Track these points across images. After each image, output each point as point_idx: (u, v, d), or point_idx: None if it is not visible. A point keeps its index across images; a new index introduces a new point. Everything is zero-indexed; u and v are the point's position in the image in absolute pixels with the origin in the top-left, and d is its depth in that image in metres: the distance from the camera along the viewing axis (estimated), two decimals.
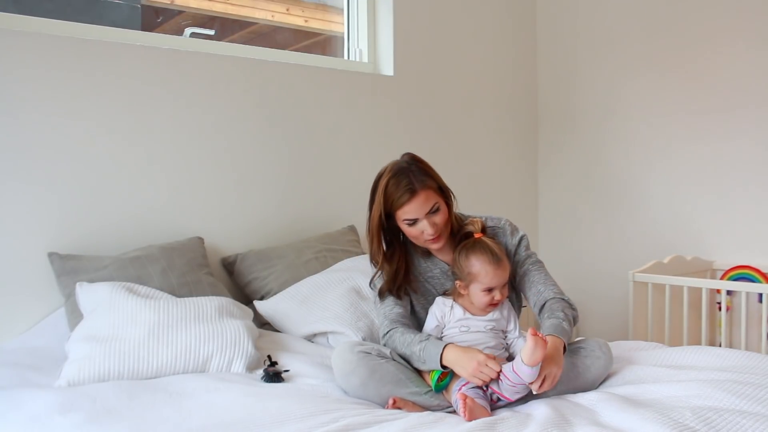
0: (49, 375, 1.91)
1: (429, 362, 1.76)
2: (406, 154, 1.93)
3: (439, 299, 1.92)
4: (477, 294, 1.84)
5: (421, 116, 3.35)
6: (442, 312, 1.88)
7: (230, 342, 2.01)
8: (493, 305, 1.85)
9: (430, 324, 1.89)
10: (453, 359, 1.72)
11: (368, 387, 1.73)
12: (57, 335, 2.17)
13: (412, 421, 1.51)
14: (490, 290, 1.82)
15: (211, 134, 2.69)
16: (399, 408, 1.69)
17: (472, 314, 1.86)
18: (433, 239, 1.87)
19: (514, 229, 2.00)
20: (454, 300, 1.89)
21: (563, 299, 1.90)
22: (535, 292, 1.94)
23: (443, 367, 1.73)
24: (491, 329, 1.86)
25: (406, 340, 1.83)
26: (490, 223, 1.99)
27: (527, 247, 2.00)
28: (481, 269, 1.81)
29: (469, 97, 3.58)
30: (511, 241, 1.98)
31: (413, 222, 1.86)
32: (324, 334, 2.30)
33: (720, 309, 3.04)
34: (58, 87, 2.34)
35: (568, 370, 1.76)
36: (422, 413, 1.62)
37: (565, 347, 1.75)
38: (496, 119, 3.72)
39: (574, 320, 1.88)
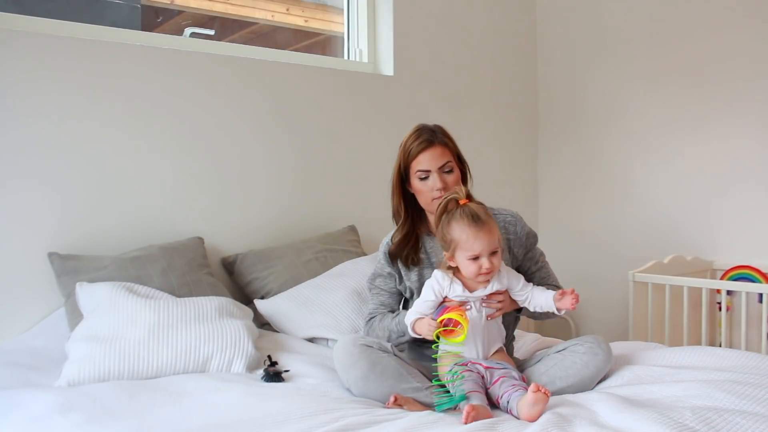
0: (49, 375, 1.91)
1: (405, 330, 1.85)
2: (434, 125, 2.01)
3: (437, 273, 1.83)
4: (464, 263, 1.76)
5: (421, 116, 3.32)
6: (440, 286, 1.80)
7: (230, 342, 2.01)
8: (485, 275, 1.76)
9: (425, 296, 1.82)
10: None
11: (369, 380, 1.73)
12: (57, 335, 2.17)
13: (412, 420, 1.51)
14: (476, 258, 1.74)
15: (211, 134, 2.69)
16: (400, 406, 1.68)
17: (471, 292, 1.80)
18: (440, 196, 1.87)
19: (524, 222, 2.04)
20: (453, 275, 1.81)
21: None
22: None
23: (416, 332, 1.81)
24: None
25: (384, 323, 1.94)
26: (503, 212, 2.01)
27: (536, 244, 2.06)
28: (461, 234, 1.74)
29: (469, 97, 3.58)
30: (522, 231, 2.00)
31: (425, 175, 1.91)
32: (324, 338, 2.31)
33: (720, 309, 3.04)
34: (58, 87, 2.34)
35: (567, 367, 1.77)
36: (422, 412, 1.62)
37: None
38: (496, 119, 3.72)
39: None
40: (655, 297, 2.98)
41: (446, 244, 1.79)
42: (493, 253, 1.75)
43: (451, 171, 1.93)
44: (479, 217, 1.75)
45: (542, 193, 3.93)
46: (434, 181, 1.90)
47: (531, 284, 1.89)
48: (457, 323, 1.70)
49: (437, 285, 1.81)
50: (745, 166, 3.15)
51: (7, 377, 1.89)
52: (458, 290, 1.80)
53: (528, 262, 2.03)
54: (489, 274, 1.77)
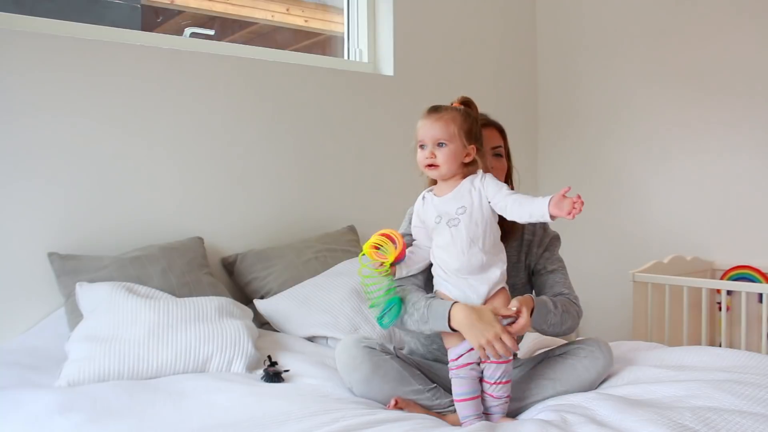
0: (49, 375, 1.91)
1: (433, 321, 1.63)
2: None
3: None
4: (418, 154, 1.69)
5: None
6: (417, 206, 1.72)
7: (230, 342, 2.01)
8: (429, 167, 1.67)
9: (417, 235, 1.73)
10: (463, 321, 1.58)
11: (371, 383, 1.73)
12: (57, 335, 2.17)
13: (413, 423, 1.51)
14: (422, 146, 1.68)
15: (211, 134, 2.69)
16: (401, 409, 1.68)
17: (439, 195, 1.70)
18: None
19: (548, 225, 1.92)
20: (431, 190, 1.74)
21: (573, 302, 1.83)
22: (550, 292, 1.87)
23: (452, 329, 1.59)
24: (462, 212, 1.65)
25: (412, 299, 1.69)
26: None
27: (558, 248, 1.95)
28: (418, 124, 1.70)
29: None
30: (546, 233, 1.92)
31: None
32: (324, 336, 2.30)
33: (720, 309, 3.04)
34: (58, 87, 2.34)
35: (567, 371, 1.76)
36: (423, 415, 1.62)
37: (533, 312, 1.64)
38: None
39: (570, 326, 1.79)
40: (655, 297, 2.98)
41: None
42: (440, 144, 1.66)
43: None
44: (436, 108, 1.72)
45: (542, 193, 3.91)
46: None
47: (514, 192, 1.70)
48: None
49: (415, 207, 1.74)
50: (745, 165, 3.15)
51: (7, 377, 1.89)
52: (434, 200, 1.71)
53: (543, 261, 1.91)
54: (434, 168, 1.67)
